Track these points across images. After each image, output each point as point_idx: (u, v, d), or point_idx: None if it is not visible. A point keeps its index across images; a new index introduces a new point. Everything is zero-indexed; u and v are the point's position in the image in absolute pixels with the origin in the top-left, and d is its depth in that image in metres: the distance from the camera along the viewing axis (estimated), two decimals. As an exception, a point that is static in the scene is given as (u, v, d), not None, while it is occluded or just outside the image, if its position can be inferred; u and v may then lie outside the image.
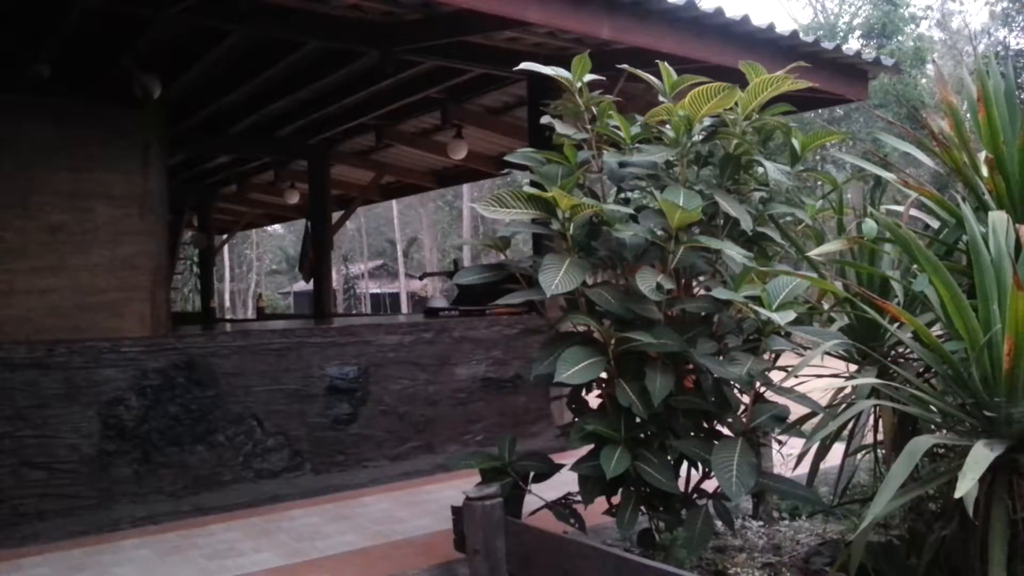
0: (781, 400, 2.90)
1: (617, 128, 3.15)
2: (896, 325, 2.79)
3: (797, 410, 2.96)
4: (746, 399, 2.95)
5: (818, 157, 15.53)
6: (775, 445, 3.65)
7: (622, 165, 3.12)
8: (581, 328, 3.05)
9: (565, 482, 3.15)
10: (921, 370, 2.98)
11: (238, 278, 37.01)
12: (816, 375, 3.06)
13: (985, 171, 2.94)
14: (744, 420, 2.92)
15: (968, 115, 3.11)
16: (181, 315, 12.51)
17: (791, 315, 2.66)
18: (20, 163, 5.31)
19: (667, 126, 3.08)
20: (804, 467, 3.32)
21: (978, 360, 2.31)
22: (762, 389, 2.90)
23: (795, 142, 3.24)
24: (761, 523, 3.78)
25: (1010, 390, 2.26)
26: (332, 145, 9.23)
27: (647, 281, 2.73)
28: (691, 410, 3.00)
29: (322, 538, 3.78)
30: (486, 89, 6.88)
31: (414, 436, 5.18)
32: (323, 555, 3.55)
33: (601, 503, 3.05)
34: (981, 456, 2.01)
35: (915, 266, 2.80)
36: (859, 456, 3.35)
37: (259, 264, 37.72)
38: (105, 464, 4.12)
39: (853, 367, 3.19)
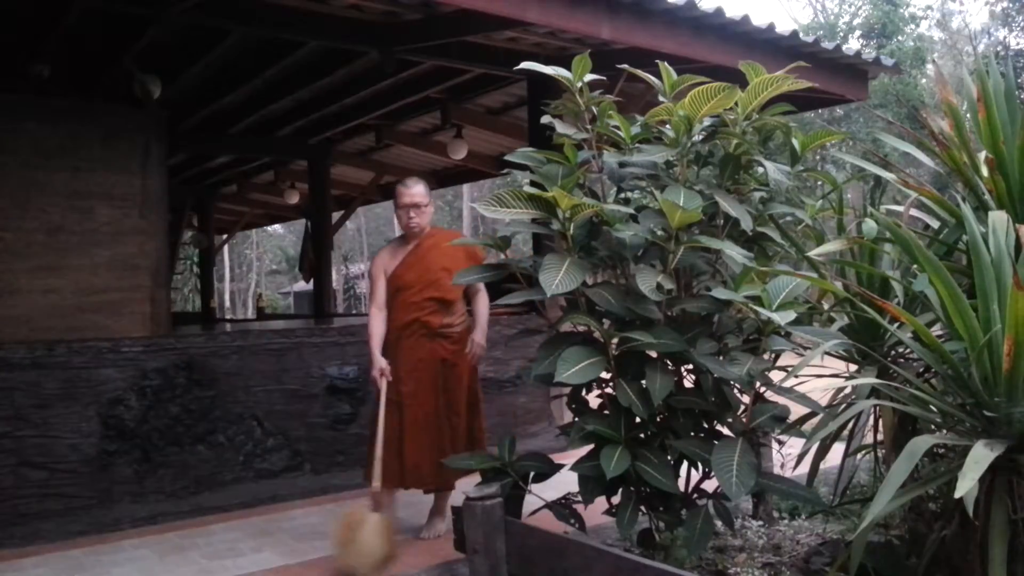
0: (781, 400, 2.90)
1: (617, 128, 3.15)
2: (896, 325, 2.79)
3: (797, 410, 2.96)
4: (746, 399, 2.95)
5: (818, 157, 15.54)
6: (775, 445, 3.66)
7: (622, 165, 3.12)
8: (581, 328, 3.05)
9: (565, 482, 3.15)
10: (921, 370, 2.98)
11: (238, 278, 37.00)
12: (816, 375, 3.06)
13: (985, 171, 2.94)
14: (744, 420, 2.92)
15: (968, 115, 3.11)
16: (181, 315, 12.51)
17: (791, 315, 2.66)
18: (20, 163, 5.31)
19: (667, 126, 3.08)
20: (804, 467, 3.32)
21: (978, 360, 2.31)
22: (762, 389, 2.90)
23: (795, 142, 3.24)
24: (761, 523, 3.78)
25: (1010, 390, 2.26)
26: (332, 145, 9.23)
27: (647, 281, 2.73)
28: (691, 410, 3.00)
29: (322, 538, 3.78)
30: (486, 89, 6.89)
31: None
32: (323, 555, 3.55)
33: (601, 503, 3.05)
34: (981, 456, 2.01)
35: (915, 266, 2.80)
36: (859, 456, 3.35)
37: (259, 264, 37.71)
38: (105, 464, 4.12)
39: (853, 367, 3.19)
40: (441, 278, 3.79)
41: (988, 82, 2.93)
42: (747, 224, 2.91)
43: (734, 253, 2.85)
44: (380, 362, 3.71)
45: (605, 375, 2.98)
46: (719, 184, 3.10)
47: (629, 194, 3.39)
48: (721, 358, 2.84)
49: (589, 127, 3.13)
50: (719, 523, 3.02)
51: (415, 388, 3.72)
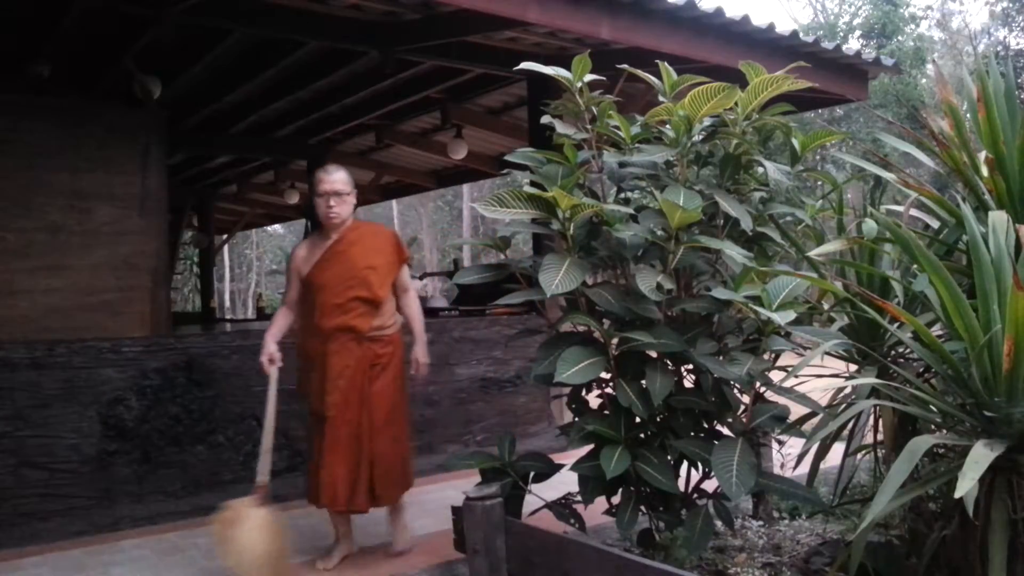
0: (781, 400, 2.91)
1: (617, 128, 3.15)
2: (896, 325, 2.79)
3: (797, 410, 2.96)
4: (746, 399, 2.95)
5: (818, 157, 15.53)
6: (775, 445, 3.66)
7: (622, 165, 3.12)
8: (581, 328, 3.05)
9: (565, 482, 3.15)
10: (921, 370, 2.98)
11: (238, 278, 36.97)
12: (816, 375, 3.06)
13: (985, 171, 2.94)
14: (744, 420, 2.92)
15: (968, 115, 3.11)
16: (181, 315, 12.51)
17: (791, 315, 2.66)
18: (20, 163, 5.32)
19: (667, 126, 3.08)
20: (804, 467, 3.32)
21: (978, 360, 2.31)
22: (762, 389, 2.90)
23: (795, 142, 3.24)
24: (761, 523, 3.78)
25: (1010, 390, 2.26)
26: (332, 145, 9.23)
27: (647, 281, 2.73)
28: (691, 410, 3.00)
29: (322, 538, 3.77)
30: (486, 89, 6.89)
31: (414, 436, 5.17)
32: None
33: (601, 503, 3.05)
34: (981, 456, 2.01)
35: (915, 266, 2.80)
36: (859, 456, 3.35)
37: (259, 264, 37.68)
38: (105, 464, 4.12)
39: (853, 367, 3.19)
40: (367, 276, 3.42)
41: (988, 82, 2.93)
42: (747, 224, 2.91)
43: (734, 253, 2.85)
44: (269, 347, 3.46)
45: (605, 375, 2.98)
46: (719, 184, 3.11)
47: (629, 194, 3.39)
48: (721, 358, 2.84)
49: (589, 127, 3.13)
50: (719, 523, 3.02)
51: (340, 399, 3.38)
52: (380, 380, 3.46)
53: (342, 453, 3.34)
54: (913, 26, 20.03)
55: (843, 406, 3.10)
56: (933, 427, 2.60)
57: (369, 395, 3.42)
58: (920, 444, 2.14)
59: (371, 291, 3.42)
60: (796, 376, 2.60)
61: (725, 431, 3.04)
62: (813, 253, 3.09)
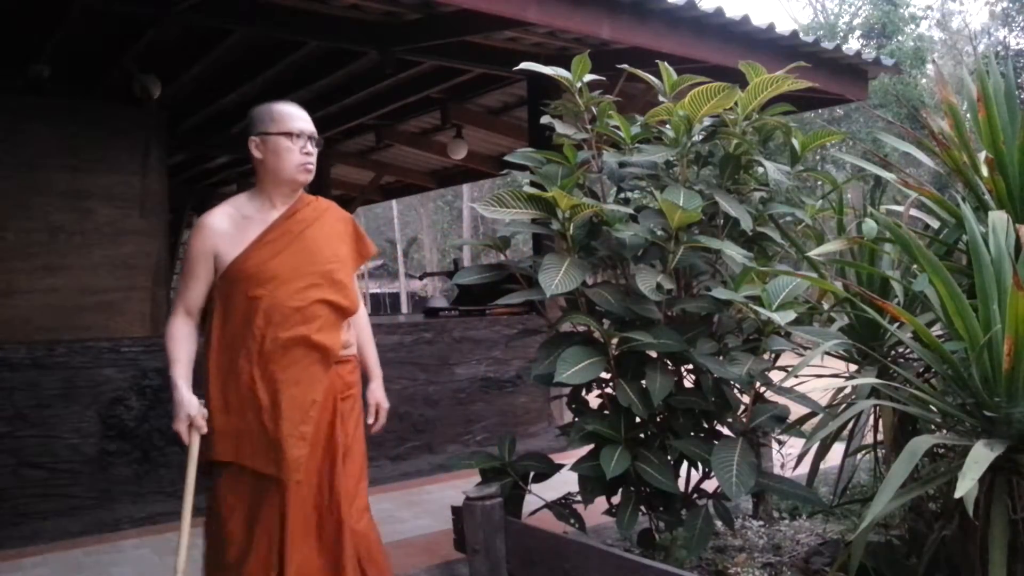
0: (781, 400, 2.91)
1: (617, 128, 3.15)
2: (896, 325, 2.79)
3: (797, 410, 2.96)
4: (746, 399, 2.95)
5: (818, 157, 15.54)
6: (775, 445, 3.66)
7: (622, 165, 3.12)
8: (581, 328, 3.05)
9: (565, 482, 3.15)
10: (921, 370, 2.98)
11: (238, 278, 36.96)
12: (816, 375, 3.06)
13: (985, 171, 2.94)
14: (744, 420, 2.92)
15: (968, 115, 3.11)
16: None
17: (791, 315, 2.66)
18: (20, 163, 5.32)
19: (667, 126, 3.08)
20: (804, 467, 3.32)
21: (978, 360, 2.31)
22: (762, 389, 2.90)
23: (795, 142, 3.24)
24: (761, 523, 3.78)
25: (1010, 390, 2.26)
26: (332, 145, 9.23)
27: (647, 281, 2.73)
28: (691, 410, 3.00)
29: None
30: (486, 89, 6.89)
31: (414, 436, 5.18)
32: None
33: (601, 503, 3.05)
34: (981, 456, 2.01)
35: (915, 266, 2.80)
36: (859, 456, 3.35)
37: (259, 264, 37.65)
38: (105, 464, 4.12)
39: (853, 367, 3.19)
40: (335, 273, 2.42)
41: (988, 82, 2.93)
42: (747, 224, 2.91)
43: (734, 253, 2.85)
44: (190, 406, 2.41)
45: (605, 375, 2.98)
46: (719, 184, 3.11)
47: (629, 194, 3.39)
48: (721, 358, 2.84)
49: (589, 127, 3.14)
50: (719, 523, 3.02)
51: (308, 453, 2.34)
52: (350, 420, 2.48)
53: (314, 534, 2.34)
54: (913, 26, 20.02)
55: (843, 406, 3.10)
56: (933, 427, 2.60)
57: (342, 443, 2.42)
58: (920, 444, 2.14)
59: (344, 294, 2.44)
60: (796, 376, 2.60)
61: (725, 431, 3.04)
62: (813, 253, 3.09)
